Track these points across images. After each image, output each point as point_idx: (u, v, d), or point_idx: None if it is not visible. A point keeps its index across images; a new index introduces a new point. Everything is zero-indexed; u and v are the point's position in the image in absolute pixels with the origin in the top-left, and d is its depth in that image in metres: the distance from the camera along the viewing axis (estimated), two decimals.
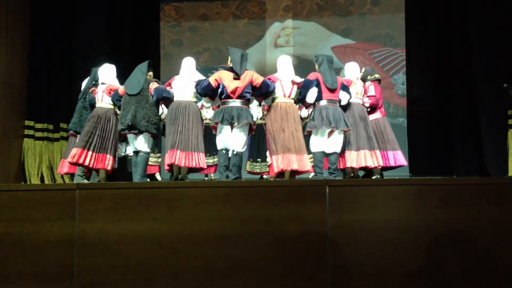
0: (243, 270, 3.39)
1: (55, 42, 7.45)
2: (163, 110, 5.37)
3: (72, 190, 3.56)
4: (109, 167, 5.05)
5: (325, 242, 3.40)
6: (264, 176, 6.34)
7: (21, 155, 7.05)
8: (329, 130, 4.84)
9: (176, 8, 9.17)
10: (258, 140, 6.40)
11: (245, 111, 4.76)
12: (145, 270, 3.42)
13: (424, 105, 8.01)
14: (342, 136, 4.96)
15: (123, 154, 5.36)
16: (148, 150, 5.03)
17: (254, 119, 5.68)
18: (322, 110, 4.88)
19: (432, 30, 8.10)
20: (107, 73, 5.34)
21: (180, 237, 3.44)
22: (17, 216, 3.53)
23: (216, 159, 6.04)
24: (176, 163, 4.81)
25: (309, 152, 4.96)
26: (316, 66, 5.13)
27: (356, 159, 5.10)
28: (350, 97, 5.14)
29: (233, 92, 4.76)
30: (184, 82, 5.08)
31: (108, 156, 5.03)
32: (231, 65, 4.83)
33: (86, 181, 5.21)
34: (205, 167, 5.11)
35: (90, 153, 4.95)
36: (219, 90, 4.82)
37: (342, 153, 5.08)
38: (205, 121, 5.85)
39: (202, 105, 6.30)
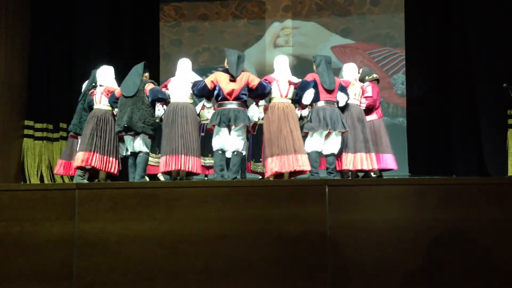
0: (243, 270, 3.39)
1: (55, 42, 7.44)
2: (159, 110, 5.37)
3: (72, 190, 3.57)
4: (116, 171, 5.10)
5: (325, 242, 3.40)
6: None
7: (21, 155, 7.05)
8: (326, 132, 4.84)
9: (176, 8, 9.16)
10: (261, 140, 6.38)
11: (242, 113, 4.74)
12: (145, 270, 3.42)
13: (424, 105, 7.98)
14: (340, 137, 4.95)
15: (124, 154, 5.36)
16: (148, 150, 5.06)
17: (256, 119, 5.69)
18: (320, 111, 4.86)
19: (432, 30, 8.08)
20: (105, 74, 5.35)
21: (180, 237, 3.44)
22: (17, 216, 3.54)
23: None
24: (182, 168, 4.80)
25: None
26: (314, 67, 5.11)
27: (353, 161, 5.08)
28: (348, 99, 5.13)
29: (230, 94, 4.74)
30: (180, 83, 5.05)
31: (111, 159, 5.07)
32: (228, 67, 4.82)
33: (86, 181, 5.22)
34: (200, 172, 5.11)
35: (96, 154, 4.98)
36: (215, 92, 4.81)
37: (339, 155, 5.07)
38: (206, 121, 5.84)
39: (204, 105, 6.26)
